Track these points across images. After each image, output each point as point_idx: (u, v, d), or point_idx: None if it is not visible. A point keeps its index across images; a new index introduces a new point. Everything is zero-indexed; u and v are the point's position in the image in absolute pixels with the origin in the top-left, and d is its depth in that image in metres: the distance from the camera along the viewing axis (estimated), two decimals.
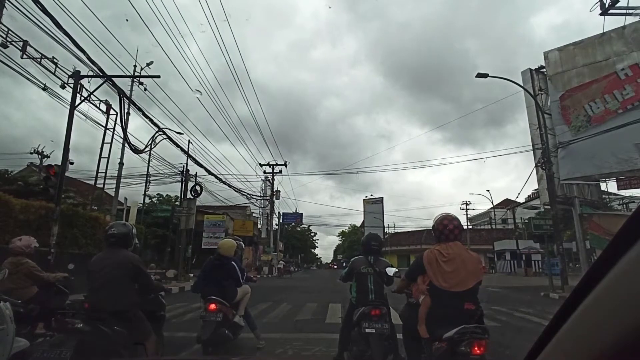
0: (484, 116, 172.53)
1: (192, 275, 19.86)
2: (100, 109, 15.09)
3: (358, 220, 78.57)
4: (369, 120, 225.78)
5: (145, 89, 16.53)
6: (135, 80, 16.64)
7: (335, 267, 69.88)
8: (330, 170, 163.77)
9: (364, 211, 65.33)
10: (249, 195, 31.27)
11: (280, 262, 34.74)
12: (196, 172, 21.98)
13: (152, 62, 18.05)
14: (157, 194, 29.07)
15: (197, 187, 21.78)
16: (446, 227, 2.95)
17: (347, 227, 76.23)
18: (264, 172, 34.49)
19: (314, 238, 76.13)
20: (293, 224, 52.66)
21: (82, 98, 12.30)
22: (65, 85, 11.78)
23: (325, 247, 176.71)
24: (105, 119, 15.97)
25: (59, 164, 11.06)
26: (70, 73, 11.66)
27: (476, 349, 2.55)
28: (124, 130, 13.65)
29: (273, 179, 34.93)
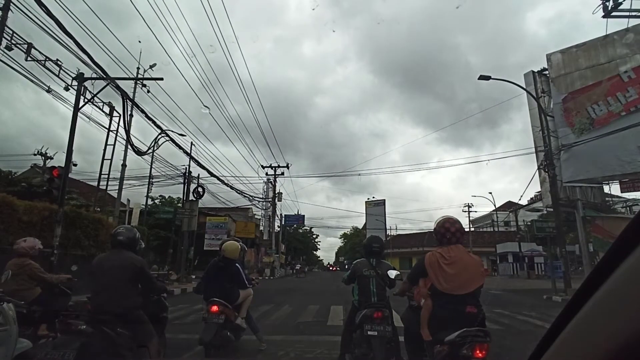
0: (478, 115, 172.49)
1: (194, 277, 19.87)
2: (103, 111, 15.18)
3: (358, 222, 78.36)
4: (362, 119, 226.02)
5: (149, 91, 16.63)
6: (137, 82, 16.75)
7: (337, 269, 69.69)
8: (331, 173, 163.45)
9: (366, 213, 64.89)
10: (251, 197, 31.26)
11: (298, 265, 43.32)
12: (198, 174, 21.99)
13: (155, 65, 18.19)
14: (159, 196, 29.17)
15: (200, 189, 21.79)
16: (448, 230, 2.94)
17: (348, 230, 75.91)
18: (266, 174, 34.53)
19: (316, 240, 76.00)
20: (295, 225, 52.52)
21: (86, 100, 12.37)
22: (69, 87, 11.86)
23: (326, 248, 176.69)
24: (107, 121, 16.08)
25: (62, 165, 11.10)
26: (73, 75, 11.74)
27: (478, 352, 2.55)
28: (127, 132, 13.68)
29: (275, 181, 34.95)
